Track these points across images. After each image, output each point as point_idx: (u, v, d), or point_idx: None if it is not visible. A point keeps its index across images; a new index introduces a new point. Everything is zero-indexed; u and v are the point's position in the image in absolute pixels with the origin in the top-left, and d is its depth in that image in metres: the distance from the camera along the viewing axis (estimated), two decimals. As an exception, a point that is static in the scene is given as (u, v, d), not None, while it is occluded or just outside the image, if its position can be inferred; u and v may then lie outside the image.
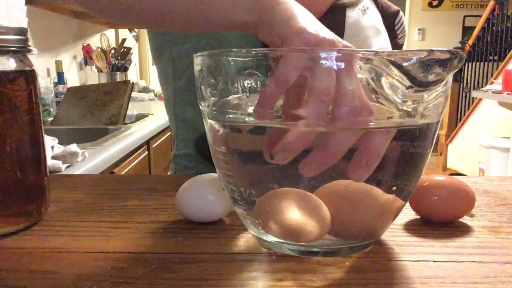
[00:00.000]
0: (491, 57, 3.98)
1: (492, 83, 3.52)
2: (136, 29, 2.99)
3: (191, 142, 0.72)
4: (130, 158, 1.40)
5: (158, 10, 0.45)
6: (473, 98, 3.91)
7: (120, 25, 2.89)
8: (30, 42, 0.40)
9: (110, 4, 0.49)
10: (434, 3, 4.87)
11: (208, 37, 0.65)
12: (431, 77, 0.27)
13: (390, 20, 0.66)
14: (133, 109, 2.06)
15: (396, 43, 0.66)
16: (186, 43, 0.68)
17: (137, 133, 1.49)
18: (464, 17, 4.85)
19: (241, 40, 0.64)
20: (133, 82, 1.80)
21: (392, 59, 0.27)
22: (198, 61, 0.33)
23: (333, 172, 0.30)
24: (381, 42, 0.61)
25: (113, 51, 2.63)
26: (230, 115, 0.31)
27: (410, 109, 0.29)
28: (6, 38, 0.37)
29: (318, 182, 0.31)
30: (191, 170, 0.73)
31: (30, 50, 0.39)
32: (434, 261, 0.32)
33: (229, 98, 0.31)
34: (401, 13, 0.69)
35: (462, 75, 4.24)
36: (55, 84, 2.05)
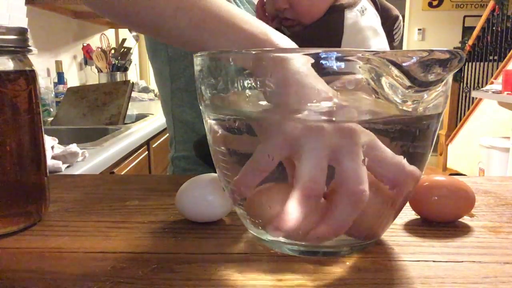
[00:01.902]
0: (491, 57, 3.98)
1: (492, 83, 3.52)
2: (136, 29, 2.98)
3: (190, 144, 0.72)
4: (130, 158, 1.40)
5: (154, 25, 0.43)
6: (473, 98, 3.91)
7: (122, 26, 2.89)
8: (30, 42, 0.40)
9: (104, 4, 0.47)
10: (434, 3, 4.87)
11: None
12: (431, 77, 0.27)
13: (390, 24, 0.66)
14: (133, 109, 2.06)
15: (392, 47, 0.67)
16: None
17: (137, 133, 1.49)
18: (464, 17, 4.85)
19: None
20: (133, 82, 1.80)
21: (392, 59, 0.27)
22: (198, 61, 0.33)
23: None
24: (380, 42, 0.61)
25: (113, 51, 2.63)
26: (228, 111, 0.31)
27: (410, 109, 0.29)
28: (6, 38, 0.37)
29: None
30: (189, 172, 0.73)
31: (30, 50, 0.39)
32: (434, 261, 0.32)
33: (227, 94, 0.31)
34: (400, 17, 0.69)
35: (462, 75, 4.24)
36: (55, 84, 2.05)
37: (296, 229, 0.27)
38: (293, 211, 0.27)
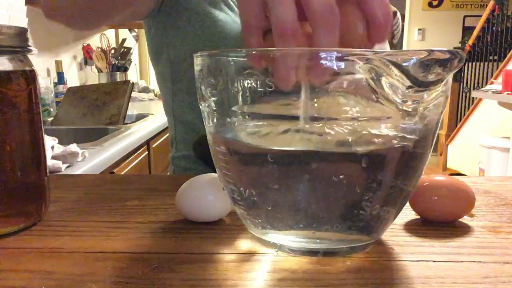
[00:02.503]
0: (491, 57, 3.98)
1: (492, 83, 3.52)
2: (136, 29, 2.99)
3: (191, 144, 0.72)
4: (130, 158, 1.40)
5: None
6: (473, 98, 3.92)
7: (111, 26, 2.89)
8: (30, 42, 0.40)
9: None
10: (434, 3, 4.87)
11: (205, 39, 0.66)
12: (431, 77, 0.27)
13: None
14: (133, 109, 2.06)
15: (391, 44, 0.67)
16: (184, 46, 0.68)
17: (137, 133, 1.49)
18: (464, 17, 4.85)
19: (240, 44, 0.64)
20: (133, 82, 1.80)
21: (392, 59, 0.27)
22: (198, 61, 0.33)
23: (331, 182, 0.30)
24: None
25: (113, 51, 2.63)
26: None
27: (410, 109, 0.29)
28: (6, 38, 0.37)
29: (319, 182, 0.31)
30: (190, 171, 0.73)
31: (30, 50, 0.39)
32: (434, 261, 0.32)
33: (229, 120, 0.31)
34: (398, 13, 0.69)
35: (462, 75, 4.25)
36: (55, 84, 2.05)
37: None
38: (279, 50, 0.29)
